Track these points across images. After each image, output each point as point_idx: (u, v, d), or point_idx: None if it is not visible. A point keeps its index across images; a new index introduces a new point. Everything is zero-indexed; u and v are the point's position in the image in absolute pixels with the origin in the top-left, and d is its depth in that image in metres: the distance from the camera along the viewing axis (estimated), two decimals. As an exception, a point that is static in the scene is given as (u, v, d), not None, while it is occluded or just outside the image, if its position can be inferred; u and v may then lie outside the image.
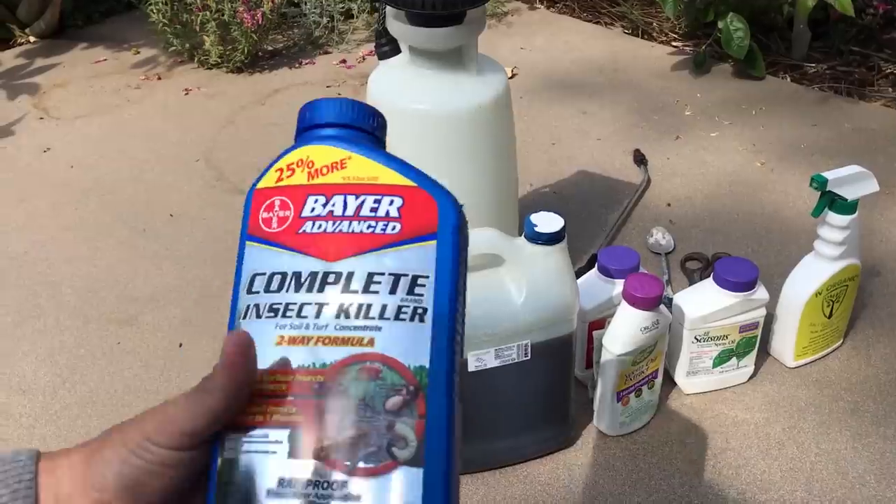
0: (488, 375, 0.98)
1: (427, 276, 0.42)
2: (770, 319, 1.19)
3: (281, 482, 0.39)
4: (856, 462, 1.07)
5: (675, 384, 1.18)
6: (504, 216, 1.26)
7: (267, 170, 0.45)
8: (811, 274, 1.16)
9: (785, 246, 1.47)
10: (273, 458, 0.39)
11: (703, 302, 1.11)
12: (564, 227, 0.95)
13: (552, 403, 1.06)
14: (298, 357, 0.40)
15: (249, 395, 0.40)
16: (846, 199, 1.09)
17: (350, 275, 0.41)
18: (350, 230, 0.42)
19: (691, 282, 1.35)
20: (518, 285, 0.95)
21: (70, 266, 1.50)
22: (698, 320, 1.10)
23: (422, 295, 0.41)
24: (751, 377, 1.19)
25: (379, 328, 0.40)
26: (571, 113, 1.98)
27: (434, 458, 0.39)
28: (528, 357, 0.98)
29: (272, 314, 0.41)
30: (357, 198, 0.43)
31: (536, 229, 0.94)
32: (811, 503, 1.01)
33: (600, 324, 1.11)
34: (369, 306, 0.41)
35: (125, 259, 1.52)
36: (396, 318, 0.41)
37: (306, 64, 2.30)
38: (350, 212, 0.43)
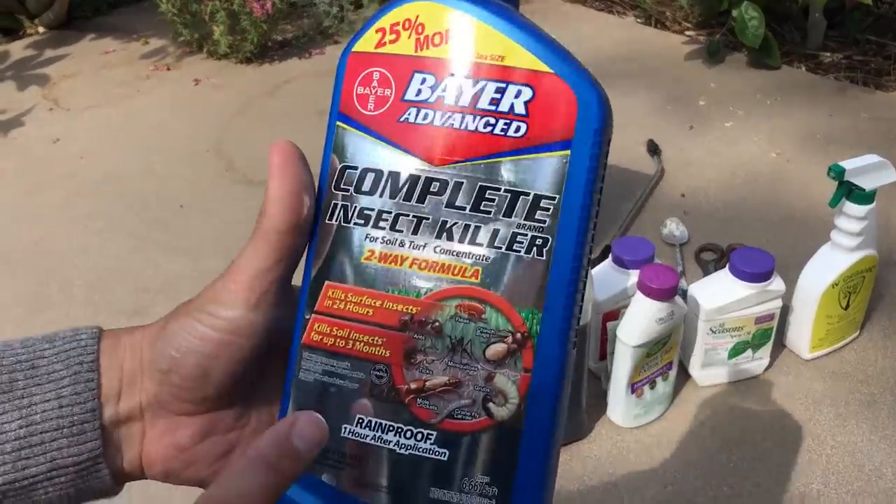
0: (501, 367, 0.97)
1: (553, 198, 0.34)
2: (786, 311, 1.17)
3: (359, 422, 0.34)
4: (872, 454, 1.05)
5: (689, 376, 1.17)
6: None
7: (366, 27, 0.37)
8: (828, 265, 1.14)
9: (801, 237, 1.45)
10: (352, 392, 0.35)
11: (718, 293, 1.10)
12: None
13: (565, 395, 1.05)
14: (389, 279, 0.35)
15: (310, 212, 0.36)
16: (864, 189, 1.07)
17: (458, 186, 0.34)
18: (462, 126, 0.34)
19: (706, 273, 1.34)
20: (531, 276, 0.94)
21: (80, 257, 1.50)
22: (713, 311, 1.09)
23: (544, 222, 0.34)
24: (766, 369, 1.18)
25: (486, 258, 0.34)
26: (583, 103, 1.96)
27: (536, 421, 0.33)
28: (542, 348, 0.97)
29: (362, 221, 0.35)
30: (475, 83, 0.34)
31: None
32: (828, 495, 1.00)
33: (614, 315, 1.10)
34: (477, 229, 0.34)
35: (135, 250, 1.52)
36: (509, 248, 0.34)
37: (316, 54, 2.29)
38: (464, 102, 0.34)
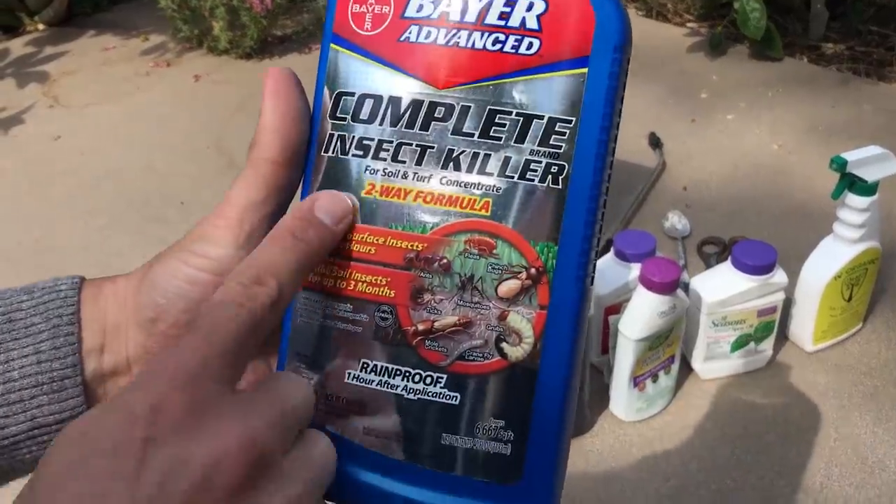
0: (503, 361, 0.96)
1: (570, 121, 0.31)
2: (788, 303, 1.17)
3: (364, 367, 0.32)
4: (875, 447, 1.05)
5: (691, 369, 1.17)
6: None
7: None
8: (830, 257, 1.14)
9: (803, 229, 1.44)
10: (355, 335, 0.32)
11: (720, 286, 1.09)
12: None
13: (568, 389, 1.05)
14: (392, 215, 0.32)
15: (303, 139, 0.34)
16: (866, 181, 1.07)
17: (465, 110, 0.32)
18: (469, 45, 0.31)
19: (708, 266, 1.33)
20: (533, 270, 0.94)
21: (82, 254, 1.50)
22: (715, 304, 1.09)
23: (559, 147, 0.31)
24: (769, 362, 1.18)
25: (497, 189, 0.31)
26: (584, 96, 1.96)
27: (553, 361, 0.31)
28: (544, 343, 0.96)
29: (361, 152, 0.33)
30: None
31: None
32: (830, 488, 1.00)
33: (616, 308, 1.10)
34: (487, 157, 0.31)
35: (136, 246, 1.51)
36: (522, 176, 0.31)
37: (316, 49, 2.29)
38: (471, 17, 0.32)
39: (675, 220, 1.46)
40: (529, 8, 0.31)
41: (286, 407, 0.28)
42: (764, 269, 1.07)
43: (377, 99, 0.33)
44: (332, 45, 0.34)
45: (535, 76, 0.31)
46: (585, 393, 1.06)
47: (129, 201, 1.64)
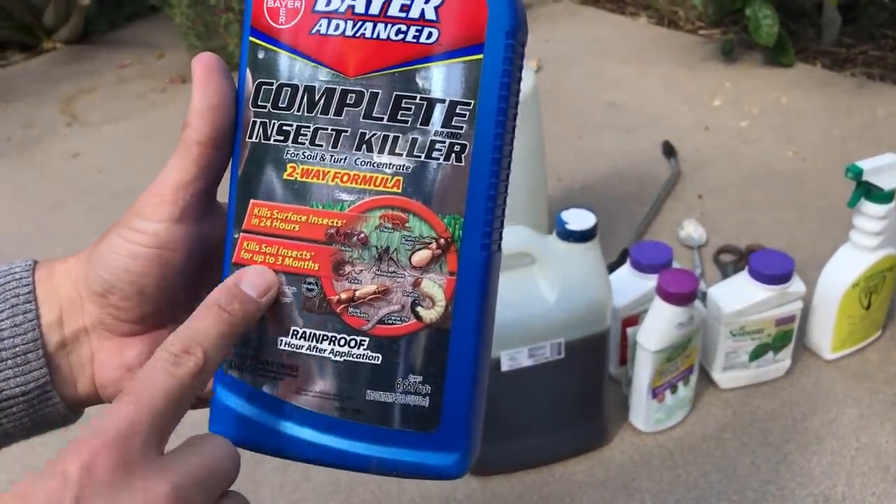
0: (522, 375, 0.97)
1: (469, 103, 0.34)
2: (806, 312, 1.17)
3: (294, 334, 0.36)
4: (898, 456, 1.05)
5: (710, 379, 1.17)
6: (534, 213, 1.25)
7: None
8: (848, 265, 1.14)
9: (819, 236, 1.44)
10: (285, 306, 0.36)
11: (737, 296, 1.09)
12: (597, 224, 0.94)
13: (587, 401, 1.05)
14: (313, 194, 0.35)
15: (232, 123, 0.36)
16: (882, 189, 1.07)
17: (373, 97, 0.34)
18: (374, 35, 0.34)
19: (725, 275, 1.33)
20: (551, 284, 0.94)
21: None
22: (733, 315, 1.09)
23: (461, 128, 0.34)
24: (788, 371, 1.17)
25: (407, 168, 0.34)
26: (598, 106, 1.96)
27: (464, 321, 0.35)
28: (562, 355, 0.97)
29: (281, 138, 0.35)
30: None
31: (568, 227, 0.93)
32: (853, 497, 0.99)
33: (634, 320, 1.10)
34: (395, 139, 0.34)
35: (156, 263, 1.53)
36: (428, 155, 0.34)
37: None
38: (375, 10, 0.34)
39: (691, 229, 1.46)
40: (427, 1, 0.34)
41: (212, 466, 0.31)
42: (781, 278, 1.07)
43: (294, 88, 0.35)
44: (251, 38, 0.36)
45: (436, 63, 0.34)
46: (605, 405, 1.07)
47: (148, 218, 1.66)
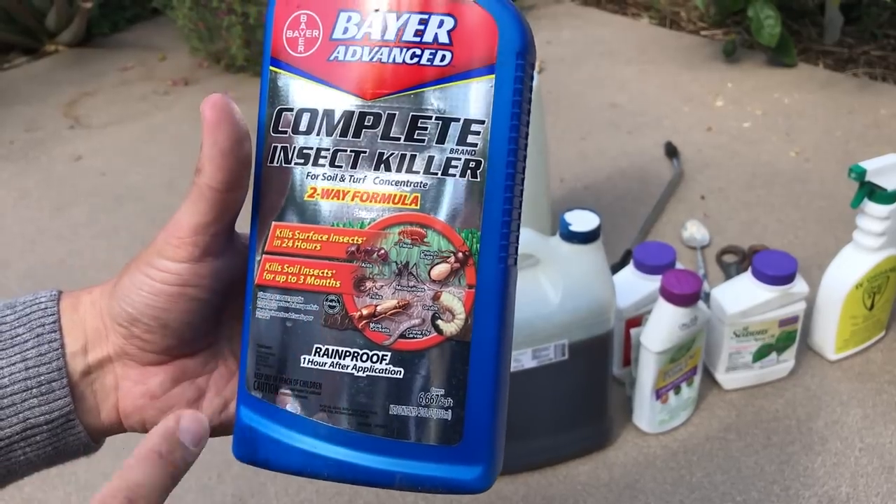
0: (526, 376, 0.97)
1: (482, 122, 0.35)
2: (810, 312, 1.17)
3: (317, 351, 0.36)
4: (902, 456, 1.05)
5: (714, 380, 1.17)
6: (537, 214, 1.25)
7: None
8: (851, 266, 1.14)
9: (822, 237, 1.44)
10: (307, 325, 0.36)
11: (741, 297, 1.09)
12: (600, 225, 0.94)
13: (590, 403, 1.05)
14: (333, 214, 0.36)
15: (246, 166, 0.36)
16: (886, 190, 1.07)
17: (390, 118, 0.36)
18: (390, 60, 0.36)
19: (728, 276, 1.33)
20: (554, 285, 0.94)
21: (106, 273, 1.51)
22: (737, 315, 1.09)
23: (475, 145, 0.35)
24: (791, 371, 1.17)
25: (424, 185, 0.35)
26: (600, 107, 1.96)
27: (484, 333, 0.35)
28: (566, 357, 0.97)
29: (302, 161, 0.37)
30: (398, 17, 0.36)
31: (571, 228, 0.93)
32: (857, 498, 0.99)
33: (637, 321, 1.10)
34: (413, 158, 0.36)
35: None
36: (444, 172, 0.35)
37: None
38: (390, 35, 0.36)
39: (694, 230, 1.46)
40: (440, 25, 0.35)
41: None
42: (784, 279, 1.07)
43: (313, 112, 0.36)
44: (271, 68, 0.37)
45: (450, 84, 0.35)
46: (609, 406, 1.07)
47: (151, 220, 1.66)
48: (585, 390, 1.04)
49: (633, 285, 1.11)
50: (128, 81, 2.34)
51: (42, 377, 0.37)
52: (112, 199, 1.76)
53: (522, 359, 0.96)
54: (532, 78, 0.36)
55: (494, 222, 0.35)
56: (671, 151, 1.72)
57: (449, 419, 0.35)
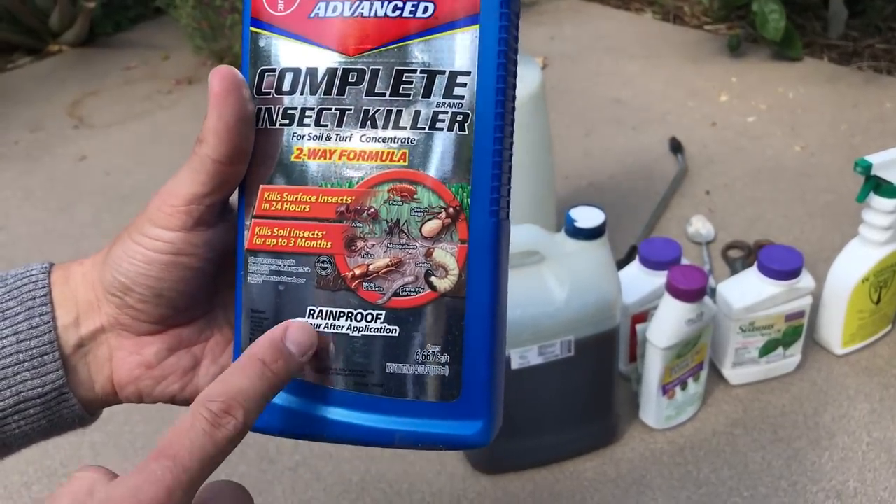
0: (532, 373, 0.97)
1: (468, 73, 0.34)
2: (816, 307, 1.16)
3: (311, 313, 0.36)
4: (910, 451, 1.04)
5: (720, 375, 1.16)
6: (542, 211, 1.25)
7: None
8: (857, 260, 1.13)
9: (828, 231, 1.44)
10: (300, 287, 0.36)
11: (747, 292, 1.09)
12: (605, 221, 0.94)
13: (597, 399, 1.05)
14: (321, 174, 0.36)
15: (249, 141, 0.36)
16: (892, 183, 1.06)
17: (375, 73, 0.35)
18: (372, 13, 0.35)
19: (734, 271, 1.33)
20: (560, 282, 0.94)
21: (111, 273, 1.52)
22: (743, 310, 1.08)
23: (462, 97, 0.34)
24: (798, 366, 1.17)
25: (412, 140, 0.35)
26: (604, 102, 1.96)
27: (478, 288, 0.35)
28: (572, 353, 0.97)
29: (287, 121, 0.36)
30: None
31: (577, 224, 0.93)
32: (865, 492, 0.99)
33: (643, 317, 1.10)
34: (399, 113, 0.35)
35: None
36: (432, 127, 0.35)
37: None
38: None
39: (699, 225, 1.46)
40: None
41: None
42: (791, 273, 1.07)
43: (296, 72, 0.36)
44: (252, 28, 0.37)
45: (434, 36, 0.34)
46: (615, 402, 1.07)
47: (156, 219, 1.66)
48: (592, 387, 1.04)
49: (639, 281, 1.11)
50: (131, 81, 2.34)
51: (34, 350, 0.37)
52: (116, 198, 1.76)
53: (528, 355, 0.96)
54: (517, 27, 0.36)
55: (484, 176, 0.35)
56: (676, 147, 1.71)
57: (446, 375, 0.35)
